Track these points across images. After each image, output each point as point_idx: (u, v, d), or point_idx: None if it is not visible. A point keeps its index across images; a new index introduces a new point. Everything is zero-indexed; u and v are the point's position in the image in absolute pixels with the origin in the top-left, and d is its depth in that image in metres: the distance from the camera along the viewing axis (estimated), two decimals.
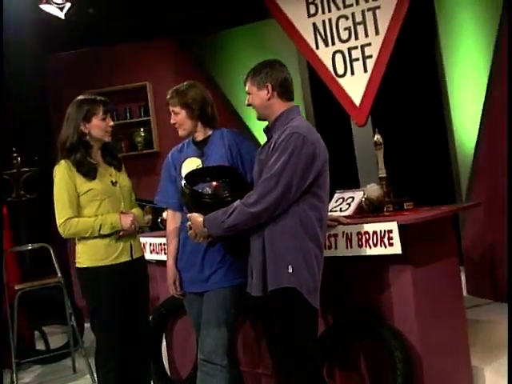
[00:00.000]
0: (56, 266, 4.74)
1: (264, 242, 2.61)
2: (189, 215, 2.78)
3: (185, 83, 3.11)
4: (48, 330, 5.53)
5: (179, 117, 3.05)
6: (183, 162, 3.11)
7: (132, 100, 6.23)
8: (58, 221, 3.07)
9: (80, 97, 3.18)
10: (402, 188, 3.62)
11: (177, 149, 3.20)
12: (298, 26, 4.96)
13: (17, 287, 4.51)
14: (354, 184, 4.35)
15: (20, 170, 5.27)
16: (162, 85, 5.90)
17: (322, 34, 4.85)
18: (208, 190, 2.93)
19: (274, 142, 2.63)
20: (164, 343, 4.09)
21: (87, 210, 3.10)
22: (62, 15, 5.80)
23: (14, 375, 4.42)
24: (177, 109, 3.04)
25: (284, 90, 2.71)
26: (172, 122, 3.08)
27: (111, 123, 3.18)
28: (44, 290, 4.82)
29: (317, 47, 4.89)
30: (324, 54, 4.87)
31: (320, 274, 2.65)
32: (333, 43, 4.81)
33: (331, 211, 3.37)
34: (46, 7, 5.40)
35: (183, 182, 2.79)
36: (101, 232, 3.06)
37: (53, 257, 4.76)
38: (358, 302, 3.09)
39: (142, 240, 3.92)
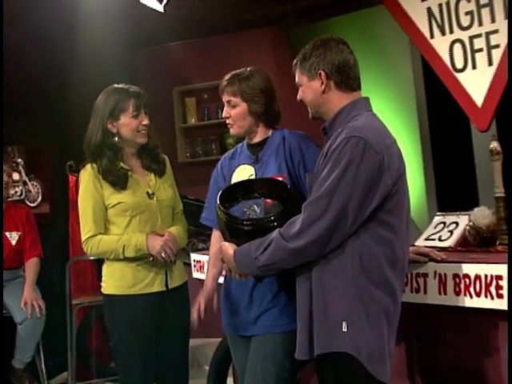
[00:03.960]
0: None
1: (311, 287, 1.92)
2: (221, 244, 2.15)
3: (248, 68, 2.46)
4: None
5: (237, 110, 2.40)
6: (234, 170, 2.49)
7: None
8: (82, 238, 2.58)
9: (112, 86, 2.64)
10: None
11: (228, 155, 2.58)
12: (409, 12, 4.22)
13: (74, 302, 4.10)
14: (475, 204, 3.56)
15: None
16: None
17: (438, 20, 4.07)
18: (255, 209, 2.28)
19: (326, 149, 1.94)
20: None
21: (115, 227, 2.57)
22: (161, 8, 5.45)
23: None
24: (235, 100, 2.40)
25: (344, 78, 2.01)
26: (225, 115, 2.44)
27: (145, 121, 2.60)
28: None
29: (431, 36, 4.12)
30: (440, 44, 4.08)
31: (393, 334, 1.91)
32: (451, 31, 4.01)
33: (428, 239, 2.61)
34: (144, 0, 5.06)
35: (217, 201, 2.16)
36: (125, 254, 2.52)
37: None
38: (452, 364, 2.31)
39: (206, 258, 3.36)
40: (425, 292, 2.22)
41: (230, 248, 2.05)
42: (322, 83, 2.01)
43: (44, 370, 3.93)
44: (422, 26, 4.14)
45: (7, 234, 3.89)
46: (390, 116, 4.72)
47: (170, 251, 2.54)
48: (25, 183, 4.93)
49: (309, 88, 2.04)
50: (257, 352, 2.34)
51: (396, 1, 4.27)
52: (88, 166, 2.60)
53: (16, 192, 4.88)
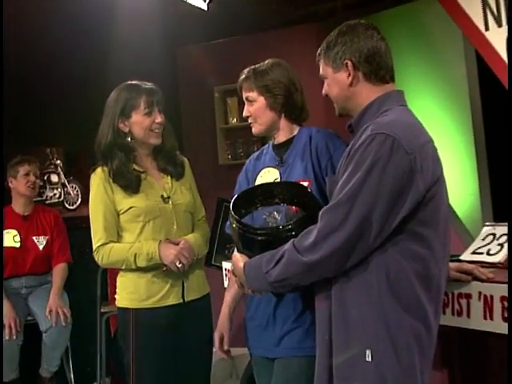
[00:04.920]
0: None
1: (331, 308, 1.67)
2: (233, 255, 1.92)
3: (266, 61, 2.26)
4: None
5: (255, 106, 2.20)
6: (258, 173, 2.27)
7: None
8: (93, 246, 2.40)
9: (125, 83, 2.48)
10: None
11: (253, 157, 2.38)
12: (462, 3, 3.95)
13: (103, 310, 3.93)
14: None
15: None
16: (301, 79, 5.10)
17: (494, 10, 3.77)
18: (276, 216, 2.04)
19: (349, 149, 1.69)
20: None
21: (128, 234, 2.39)
22: (205, 6, 5.30)
23: None
24: (252, 94, 2.20)
25: (374, 68, 1.74)
26: (245, 114, 2.25)
27: (159, 119, 2.41)
28: None
29: (486, 28, 3.83)
30: (496, 36, 3.78)
31: (427, 365, 1.65)
32: None
33: (475, 253, 2.31)
34: None
35: (231, 206, 1.93)
36: (137, 264, 2.33)
37: None
38: None
39: None
40: (468, 315, 1.93)
41: (240, 260, 1.82)
42: (349, 74, 1.76)
43: (73, 380, 3.79)
44: (476, 17, 3.85)
45: (34, 238, 3.76)
46: (441, 116, 4.38)
47: (185, 261, 2.34)
48: (64, 185, 4.83)
49: (334, 81, 1.80)
50: (279, 376, 2.12)
51: None
52: (98, 170, 2.43)
53: (55, 194, 4.79)
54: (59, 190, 4.78)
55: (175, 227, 2.42)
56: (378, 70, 1.75)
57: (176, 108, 5.62)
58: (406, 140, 1.58)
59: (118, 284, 2.47)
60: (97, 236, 2.39)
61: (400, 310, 1.59)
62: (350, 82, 1.75)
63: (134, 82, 2.45)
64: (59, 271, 3.73)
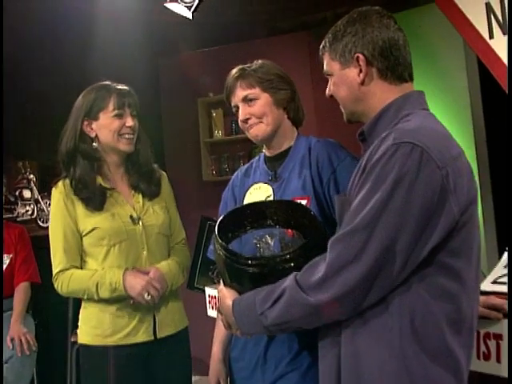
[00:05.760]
0: None
1: (340, 357, 1.37)
2: (219, 289, 1.61)
3: (254, 62, 1.98)
4: None
5: (259, 104, 1.90)
6: (247, 190, 1.98)
7: None
8: (53, 272, 2.10)
9: (96, 84, 2.20)
10: None
11: (241, 171, 2.08)
12: (464, 9, 3.69)
13: (74, 338, 3.59)
14: None
15: None
16: None
17: (499, 16, 3.52)
18: (269, 241, 1.73)
19: (365, 162, 1.39)
20: None
21: (92, 259, 2.10)
22: (189, 15, 5.07)
23: None
24: (254, 91, 1.90)
25: (391, 64, 1.47)
26: (243, 116, 1.92)
27: (130, 123, 2.12)
28: None
29: (491, 36, 3.57)
30: (501, 45, 3.52)
31: None
32: None
33: (496, 282, 2.03)
34: (172, 6, 4.68)
35: (215, 230, 1.62)
36: (99, 295, 2.03)
37: None
38: None
39: None
40: (498, 360, 1.63)
41: (228, 297, 1.51)
42: (361, 71, 1.47)
43: None
44: (480, 24, 3.59)
45: None
46: None
47: (155, 293, 2.03)
48: (37, 201, 4.55)
49: (342, 78, 1.51)
50: None
51: None
52: (59, 183, 2.15)
53: (27, 211, 4.50)
54: (32, 206, 4.52)
55: (145, 253, 2.13)
56: (395, 65, 1.47)
57: (158, 120, 5.41)
58: (436, 151, 1.29)
59: (80, 317, 2.16)
60: (56, 260, 2.11)
61: (426, 361, 1.30)
62: (361, 80, 1.47)
63: (104, 82, 2.17)
64: (20, 292, 3.36)
